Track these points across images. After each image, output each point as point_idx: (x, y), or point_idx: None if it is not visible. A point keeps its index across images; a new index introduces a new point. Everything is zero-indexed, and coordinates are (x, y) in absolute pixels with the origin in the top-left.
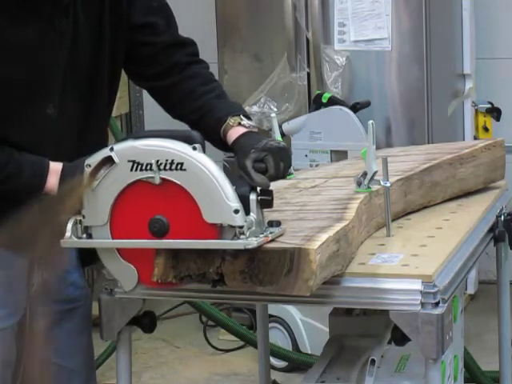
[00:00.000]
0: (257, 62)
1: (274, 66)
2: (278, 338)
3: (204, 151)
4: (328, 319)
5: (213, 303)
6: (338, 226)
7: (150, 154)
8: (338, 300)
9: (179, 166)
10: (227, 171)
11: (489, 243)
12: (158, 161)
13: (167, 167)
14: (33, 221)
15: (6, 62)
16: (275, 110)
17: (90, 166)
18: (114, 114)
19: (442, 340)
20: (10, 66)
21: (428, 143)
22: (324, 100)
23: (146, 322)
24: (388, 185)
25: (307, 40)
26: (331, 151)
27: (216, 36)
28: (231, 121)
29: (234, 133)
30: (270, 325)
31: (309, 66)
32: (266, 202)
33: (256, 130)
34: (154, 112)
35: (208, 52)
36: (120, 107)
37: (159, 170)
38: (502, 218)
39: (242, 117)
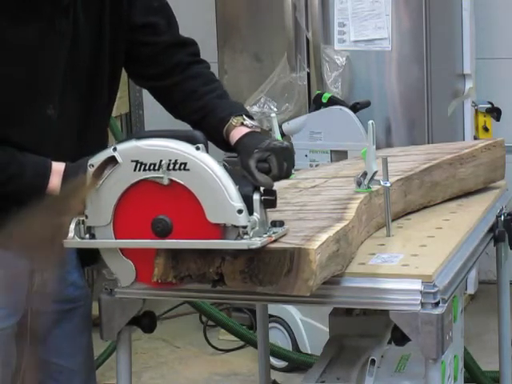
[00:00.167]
0: (257, 62)
1: (274, 66)
2: (278, 338)
3: (207, 151)
4: (328, 319)
5: (213, 303)
6: (338, 226)
7: (153, 153)
8: (337, 300)
9: (183, 166)
10: (229, 171)
11: (489, 243)
12: (161, 161)
13: (170, 167)
14: (35, 221)
15: (6, 62)
16: (275, 109)
17: (93, 166)
18: (114, 113)
19: (442, 340)
20: (10, 66)
21: (428, 143)
22: (324, 100)
23: (145, 322)
24: (388, 185)
25: (307, 40)
26: (331, 151)
27: (216, 36)
28: (234, 121)
29: (236, 133)
30: (270, 325)
31: (309, 66)
32: (270, 201)
33: (259, 129)
34: (154, 112)
35: (208, 52)
36: (120, 107)
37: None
38: (502, 218)
39: (244, 117)
